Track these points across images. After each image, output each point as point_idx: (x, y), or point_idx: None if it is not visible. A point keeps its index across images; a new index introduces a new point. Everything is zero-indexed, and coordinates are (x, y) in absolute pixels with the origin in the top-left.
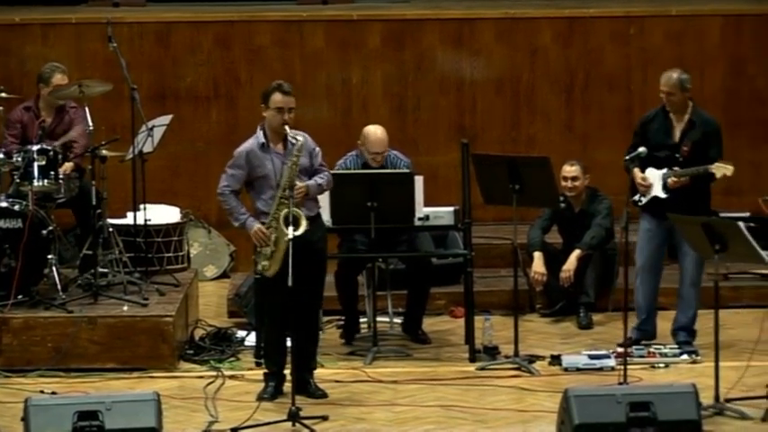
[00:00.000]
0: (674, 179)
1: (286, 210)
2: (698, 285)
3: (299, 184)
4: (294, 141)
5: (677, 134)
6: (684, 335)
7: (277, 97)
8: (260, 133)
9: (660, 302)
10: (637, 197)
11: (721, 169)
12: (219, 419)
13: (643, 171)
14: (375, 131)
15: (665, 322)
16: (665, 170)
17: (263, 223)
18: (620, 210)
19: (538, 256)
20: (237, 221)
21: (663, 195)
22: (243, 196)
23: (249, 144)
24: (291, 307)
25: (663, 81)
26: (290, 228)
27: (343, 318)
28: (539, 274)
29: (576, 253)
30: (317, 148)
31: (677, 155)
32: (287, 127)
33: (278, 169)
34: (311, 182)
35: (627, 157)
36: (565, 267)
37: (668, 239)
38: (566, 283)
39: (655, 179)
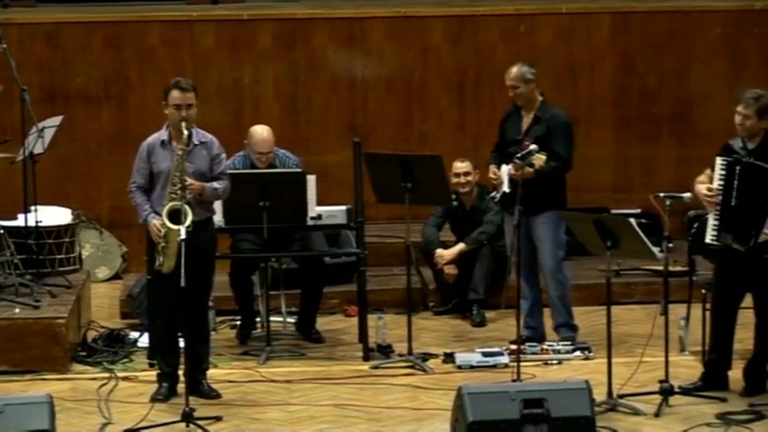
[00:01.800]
0: (513, 171)
1: (170, 204)
2: (561, 280)
3: (188, 180)
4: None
5: (524, 129)
6: (565, 330)
7: (175, 94)
8: (164, 129)
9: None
10: (493, 193)
11: (538, 159)
12: (113, 421)
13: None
14: (260, 132)
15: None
16: (509, 165)
17: None
18: None
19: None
20: (140, 218)
21: (507, 190)
22: None
23: (152, 139)
24: (182, 308)
25: (506, 75)
26: (167, 220)
27: (237, 318)
28: (444, 259)
29: (460, 246)
30: (223, 155)
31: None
32: (183, 124)
33: None
34: (208, 184)
35: (518, 155)
36: (441, 253)
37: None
38: (450, 279)
39: (504, 175)
